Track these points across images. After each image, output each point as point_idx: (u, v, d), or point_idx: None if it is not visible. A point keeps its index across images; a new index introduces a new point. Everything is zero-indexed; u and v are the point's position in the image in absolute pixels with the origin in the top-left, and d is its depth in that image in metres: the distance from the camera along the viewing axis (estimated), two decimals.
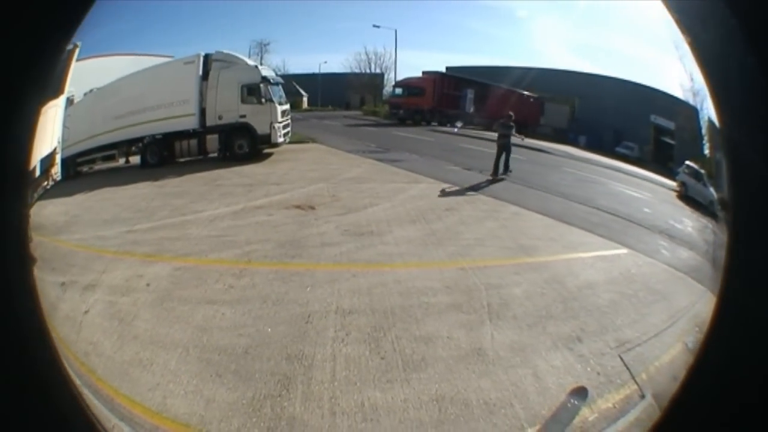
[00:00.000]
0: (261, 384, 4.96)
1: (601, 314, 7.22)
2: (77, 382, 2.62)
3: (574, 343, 6.33)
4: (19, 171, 2.21)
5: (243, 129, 12.08)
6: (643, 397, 5.52)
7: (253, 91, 12.26)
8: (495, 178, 12.89)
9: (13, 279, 2.18)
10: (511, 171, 13.33)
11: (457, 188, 12.10)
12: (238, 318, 6.06)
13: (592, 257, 9.20)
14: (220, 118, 11.96)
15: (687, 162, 14.55)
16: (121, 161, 11.32)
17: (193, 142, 11.89)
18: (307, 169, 12.57)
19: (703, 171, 16.57)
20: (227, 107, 12.06)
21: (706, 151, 19.35)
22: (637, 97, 17.08)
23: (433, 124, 18.12)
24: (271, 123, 12.36)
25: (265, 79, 12.52)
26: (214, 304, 6.32)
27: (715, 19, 2.01)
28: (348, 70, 17.75)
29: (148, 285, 6.78)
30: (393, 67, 18.08)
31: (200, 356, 5.34)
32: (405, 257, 8.04)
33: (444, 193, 11.78)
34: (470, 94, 18.45)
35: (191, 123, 11.79)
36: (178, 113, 11.84)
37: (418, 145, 16.04)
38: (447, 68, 18.92)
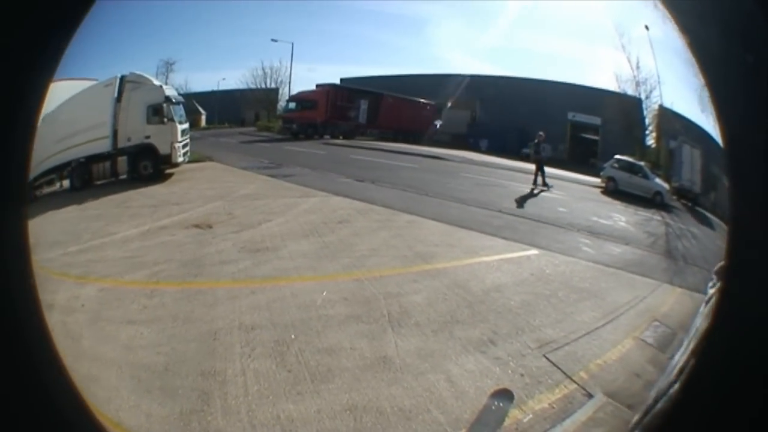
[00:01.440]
0: (185, 399, 5.48)
1: (514, 316, 7.89)
2: (77, 382, 2.82)
3: (487, 346, 6.91)
4: (20, 173, 2.47)
5: (148, 150, 13.15)
6: (590, 395, 6.13)
7: (158, 111, 13.43)
8: (533, 189, 15.02)
9: (14, 279, 2.42)
10: (551, 186, 15.26)
11: (349, 200, 13.05)
12: (154, 337, 6.59)
13: (497, 260, 9.97)
14: (129, 139, 13.02)
15: (617, 156, 17.13)
16: (57, 185, 11.97)
17: (107, 164, 12.87)
18: (205, 187, 13.57)
19: (642, 163, 17.26)
20: (135, 128, 13.16)
21: (650, 142, 20.50)
22: (551, 96, 19.41)
23: (326, 137, 19.93)
24: (172, 143, 13.52)
25: (167, 99, 13.67)
26: (134, 323, 6.91)
27: (715, 18, 2.26)
28: (245, 86, 19.02)
29: (83, 305, 7.28)
30: (288, 81, 19.37)
31: (131, 374, 5.82)
32: (300, 271, 8.73)
33: (336, 206, 12.70)
34: (363, 105, 20.56)
35: (105, 146, 12.79)
36: (96, 136, 12.82)
37: (310, 158, 17.43)
38: (341, 80, 20.78)
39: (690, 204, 17.55)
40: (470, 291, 8.52)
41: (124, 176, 12.99)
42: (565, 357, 6.95)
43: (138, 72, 13.57)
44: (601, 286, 9.82)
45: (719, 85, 2.34)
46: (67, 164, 11.97)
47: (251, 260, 8.98)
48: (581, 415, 5.80)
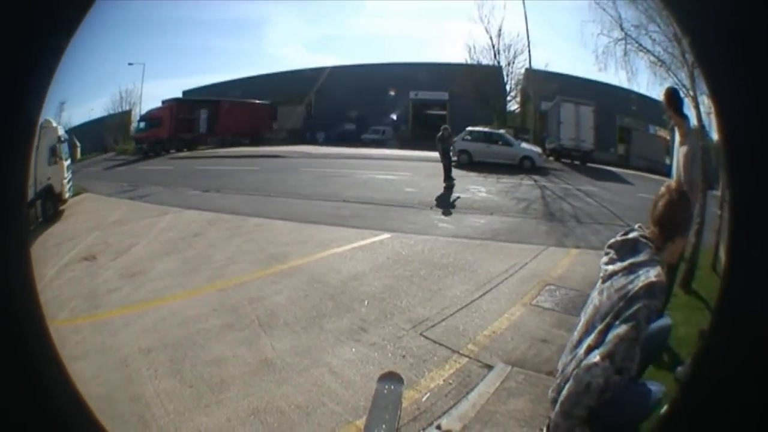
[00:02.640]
0: (132, 425, 6.17)
1: (379, 301, 8.98)
2: (77, 382, 3.08)
3: (360, 334, 7.82)
4: (20, 173, 2.76)
5: (49, 191, 14.39)
6: (489, 367, 6.87)
7: (54, 151, 14.60)
8: (448, 184, 15.47)
9: (14, 279, 2.73)
10: (454, 180, 16.66)
11: (200, 211, 14.61)
12: (91, 370, 7.19)
13: (350, 249, 11.30)
14: (40, 183, 14.09)
15: (468, 128, 18.99)
16: None
17: (32, 211, 13.59)
18: (84, 219, 14.75)
19: (502, 131, 19.28)
20: (43, 173, 14.23)
21: (514, 107, 21.43)
22: (391, 78, 20.96)
23: (172, 151, 21.38)
24: (62, 180, 14.73)
25: (59, 139, 14.85)
26: (77, 359, 7.44)
27: (715, 18, 2.49)
28: (106, 113, 19.69)
29: None
30: (139, 101, 20.29)
31: (96, 407, 4.98)
32: (171, 290, 9.59)
33: (189, 219, 14.18)
34: (204, 114, 22.04)
35: (32, 193, 13.56)
36: (30, 184, 13.95)
37: (160, 176, 18.87)
38: (184, 92, 22.00)
39: (578, 162, 20.81)
40: (329, 284, 9.75)
41: (41, 219, 14.27)
42: (446, 333, 7.86)
43: (48, 117, 14.65)
44: (468, 259, 11.28)
45: (719, 85, 2.58)
46: None
47: (131, 285, 9.94)
48: (487, 387, 6.44)
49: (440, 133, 16.46)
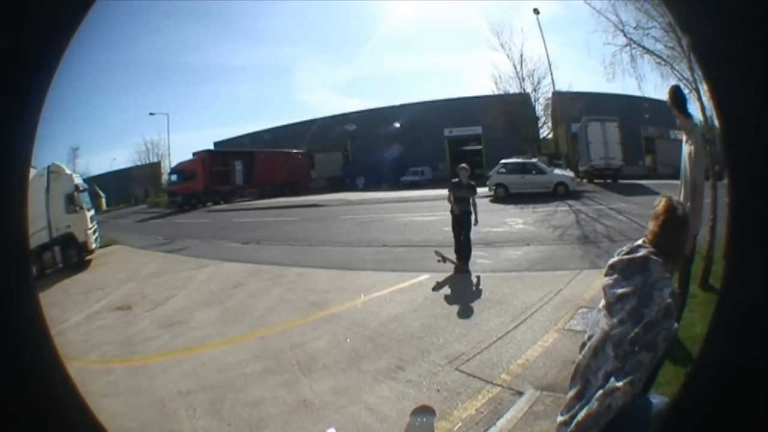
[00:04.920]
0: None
1: (417, 340, 8.99)
2: (77, 382, 3.09)
3: (396, 372, 7.86)
4: (21, 173, 2.74)
5: (71, 239, 14.93)
6: (520, 393, 6.93)
7: (72, 200, 15.13)
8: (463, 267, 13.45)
9: (14, 279, 2.74)
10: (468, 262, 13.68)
11: (239, 263, 15.02)
12: (124, 406, 7.61)
13: (389, 293, 11.39)
14: (57, 229, 14.70)
15: (502, 161, 19.61)
16: None
17: (49, 254, 14.59)
18: (117, 270, 15.13)
19: (534, 159, 19.85)
20: (59, 219, 14.77)
21: (546, 133, 22.21)
22: (424, 118, 21.98)
23: (209, 204, 22.20)
24: (86, 230, 15.25)
25: (77, 187, 15.32)
26: (107, 396, 7.91)
27: (715, 18, 2.49)
28: (132, 164, 20.75)
29: None
30: (168, 153, 21.65)
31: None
32: (211, 338, 9.88)
33: (228, 271, 14.46)
34: (239, 165, 22.86)
35: (46, 236, 14.59)
36: (41, 226, 14.55)
37: (197, 229, 19.53)
38: (215, 144, 23.38)
39: (609, 180, 21.41)
40: (368, 327, 9.84)
41: (60, 265, 14.92)
42: (480, 365, 7.88)
43: (57, 162, 15.32)
44: (504, 292, 11.28)
45: (720, 85, 2.55)
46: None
47: (169, 334, 10.19)
48: (515, 412, 6.45)
49: (457, 179, 13.45)
